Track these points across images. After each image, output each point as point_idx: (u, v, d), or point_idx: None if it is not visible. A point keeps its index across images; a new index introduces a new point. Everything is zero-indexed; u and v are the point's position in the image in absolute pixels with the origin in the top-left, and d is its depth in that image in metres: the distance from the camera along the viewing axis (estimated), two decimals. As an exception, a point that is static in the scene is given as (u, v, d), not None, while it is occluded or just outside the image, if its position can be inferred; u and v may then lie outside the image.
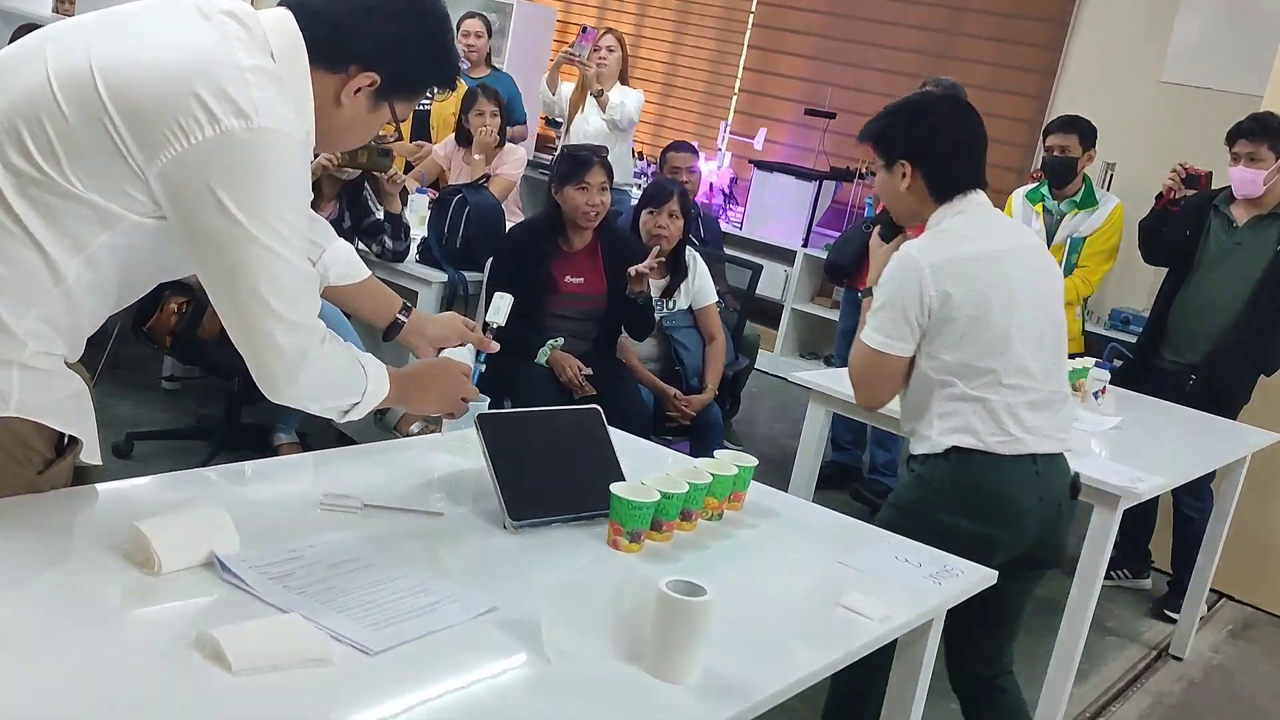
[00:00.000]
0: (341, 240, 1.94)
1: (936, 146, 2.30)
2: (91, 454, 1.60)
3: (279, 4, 1.58)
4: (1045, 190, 4.39)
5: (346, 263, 1.92)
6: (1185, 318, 3.99)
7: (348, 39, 1.56)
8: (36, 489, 1.54)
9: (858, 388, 2.38)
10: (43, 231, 1.45)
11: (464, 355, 1.97)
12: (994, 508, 2.26)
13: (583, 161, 3.71)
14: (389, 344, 2.03)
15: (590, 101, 5.65)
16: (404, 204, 4.20)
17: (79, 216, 1.45)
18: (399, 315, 1.96)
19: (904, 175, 2.31)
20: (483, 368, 2.00)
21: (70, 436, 1.57)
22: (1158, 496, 4.08)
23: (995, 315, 2.25)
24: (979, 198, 2.35)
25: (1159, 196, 4.15)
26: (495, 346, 2.00)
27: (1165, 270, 4.17)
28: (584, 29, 5.82)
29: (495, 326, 2.06)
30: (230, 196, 1.43)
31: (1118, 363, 4.31)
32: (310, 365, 1.54)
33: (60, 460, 1.57)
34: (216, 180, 1.43)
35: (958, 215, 2.31)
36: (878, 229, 2.57)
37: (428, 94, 1.77)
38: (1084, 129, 4.29)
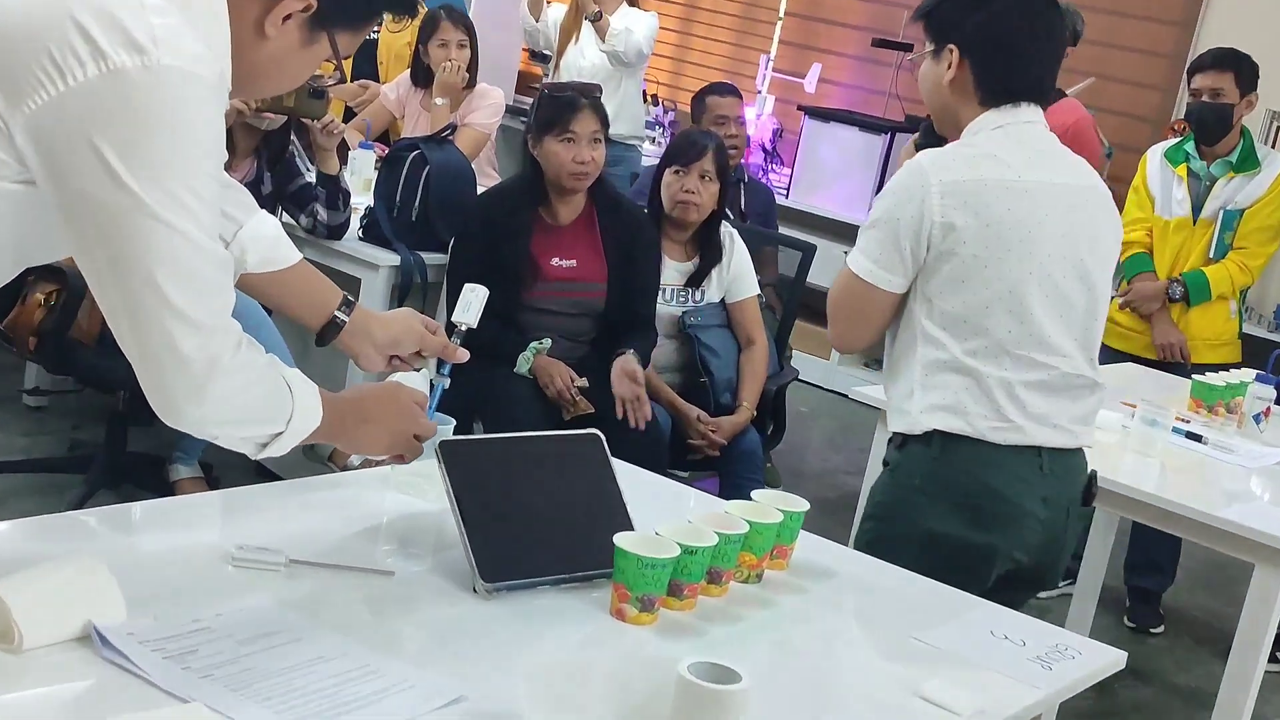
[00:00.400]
0: (264, 213, 1.95)
1: (994, 34, 2.41)
2: None
3: None
4: (1190, 147, 4.39)
5: (271, 243, 1.92)
6: None
7: None
8: None
9: (831, 320, 2.49)
10: None
11: (417, 381, 1.98)
12: (989, 510, 2.36)
13: (567, 104, 3.73)
14: (325, 351, 2.03)
15: (587, 29, 5.68)
16: (343, 163, 4.22)
17: None
18: (337, 313, 1.95)
19: (950, 64, 2.42)
20: (447, 382, 2.01)
21: None
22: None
23: (1010, 262, 2.34)
24: (1032, 114, 2.44)
25: None
26: (464, 355, 2.00)
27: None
28: None
29: (464, 329, 2.05)
30: (119, 156, 1.43)
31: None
32: (220, 379, 1.54)
33: None
34: (101, 134, 1.43)
35: (996, 130, 2.41)
36: (914, 139, 2.68)
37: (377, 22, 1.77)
38: (1241, 67, 4.29)
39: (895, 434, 2.45)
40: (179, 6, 1.48)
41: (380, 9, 1.68)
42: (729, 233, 4.12)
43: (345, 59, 1.71)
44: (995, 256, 2.34)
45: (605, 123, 3.79)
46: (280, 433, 1.65)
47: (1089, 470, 2.48)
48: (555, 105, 3.75)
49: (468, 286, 2.10)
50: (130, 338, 1.51)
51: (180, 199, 1.46)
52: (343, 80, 2.00)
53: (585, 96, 3.80)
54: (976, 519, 2.37)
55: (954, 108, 2.46)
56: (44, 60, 1.42)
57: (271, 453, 1.67)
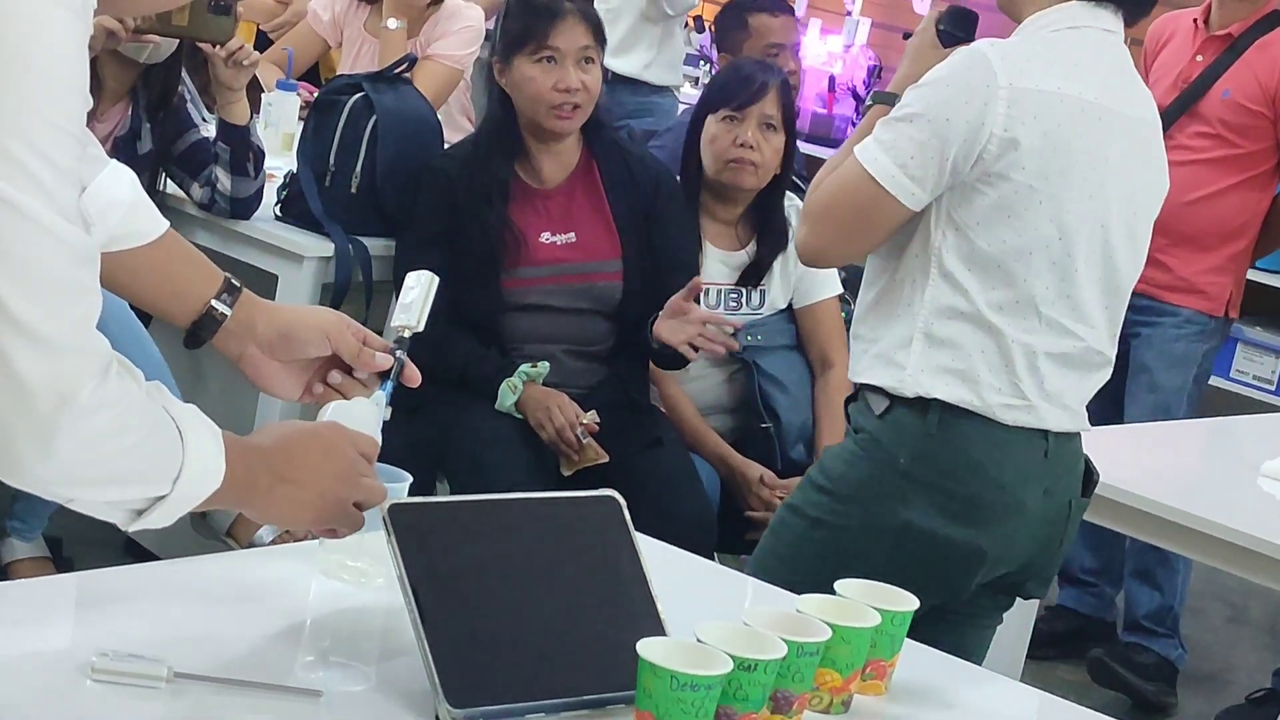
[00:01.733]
0: (116, 167, 1.96)
1: None
2: None
3: None
4: None
5: (126, 211, 1.94)
6: None
7: None
8: None
9: (815, 222, 2.68)
10: None
11: (365, 414, 1.98)
12: (985, 503, 2.62)
13: (544, 9, 3.77)
14: (227, 373, 2.05)
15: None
16: (255, 110, 4.25)
17: None
18: (215, 302, 1.97)
19: None
20: (386, 414, 2.02)
21: None
22: None
23: (1068, 201, 2.57)
24: (1114, 23, 2.64)
25: None
26: (414, 375, 2.01)
27: None
28: None
29: (408, 334, 2.05)
30: None
31: None
32: (77, 420, 1.54)
33: None
34: None
35: (1071, 30, 2.61)
36: (935, 21, 2.87)
37: None
38: None
39: (873, 391, 2.66)
40: None
41: None
42: (795, 208, 4.11)
43: None
44: (1054, 192, 2.54)
45: (600, 36, 3.83)
46: (164, 495, 1.65)
47: (1084, 456, 2.73)
48: (528, 12, 3.80)
49: (412, 275, 2.09)
50: None
51: (22, 163, 1.47)
52: None
53: None
54: (967, 513, 2.61)
55: None
56: None
57: (151, 523, 1.67)
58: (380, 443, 1.96)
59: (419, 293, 2.08)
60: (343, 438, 1.88)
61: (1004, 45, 2.60)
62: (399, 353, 2.01)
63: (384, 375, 2.01)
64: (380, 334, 2.06)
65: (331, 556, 2.06)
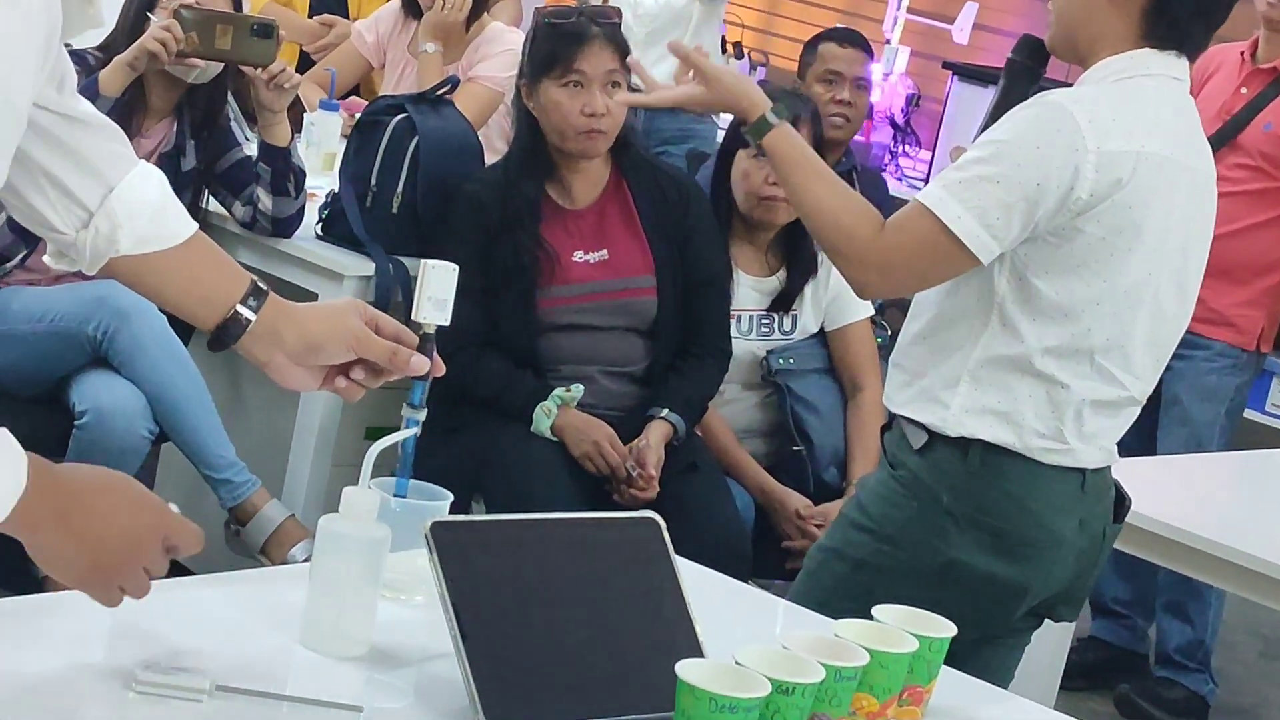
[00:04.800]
0: (145, 166, 1.95)
1: None
2: None
3: None
4: None
5: (154, 212, 1.94)
6: None
7: None
8: None
9: (884, 269, 2.67)
10: None
11: (356, 550, 1.92)
12: (1028, 539, 2.66)
13: (571, 34, 3.78)
14: (263, 384, 2.05)
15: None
16: (297, 130, 4.27)
17: None
18: (241, 307, 1.95)
19: None
20: (420, 416, 2.03)
21: None
22: None
23: (1139, 254, 2.59)
24: (1183, 70, 2.66)
25: None
26: (423, 364, 1.98)
27: None
28: None
29: (431, 330, 2.05)
30: None
31: None
32: None
33: None
34: None
35: (1146, 78, 2.62)
36: (1010, 60, 2.93)
37: None
38: None
39: (910, 424, 2.69)
40: None
41: None
42: None
43: None
44: (1125, 245, 2.57)
45: (625, 59, 3.80)
46: None
47: (1115, 483, 2.80)
48: (555, 37, 3.80)
49: (426, 265, 2.06)
50: None
51: None
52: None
53: (596, 22, 3.84)
54: (1009, 549, 2.65)
55: (1100, 30, 2.64)
56: None
57: None
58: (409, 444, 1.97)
59: (446, 289, 2.06)
60: (151, 518, 1.74)
61: (1087, 102, 2.59)
62: (430, 348, 2.00)
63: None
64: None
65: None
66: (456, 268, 2.07)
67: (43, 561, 1.71)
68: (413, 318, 2.04)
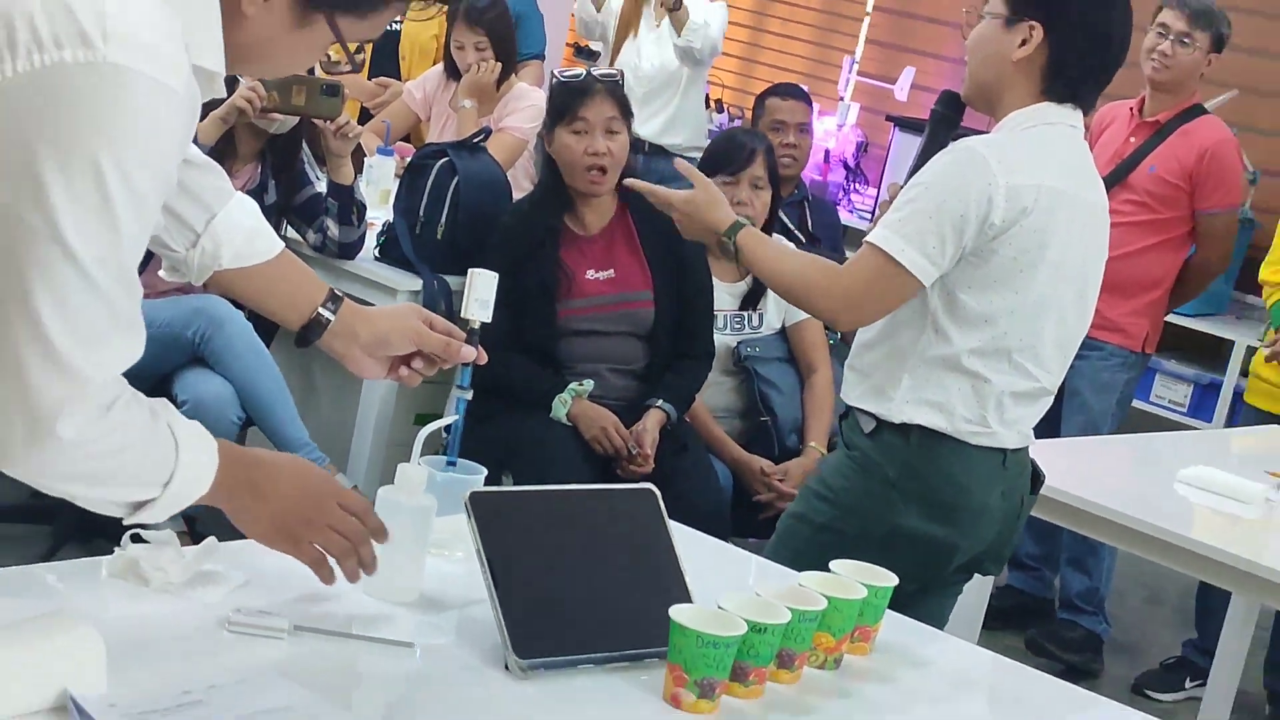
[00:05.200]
0: (241, 197, 1.96)
1: (1088, 28, 2.61)
2: None
3: None
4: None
5: (249, 233, 1.94)
6: None
7: None
8: None
9: (848, 306, 2.67)
10: None
11: (406, 512, 1.92)
12: (958, 506, 2.68)
13: (577, 89, 3.79)
14: (333, 377, 2.05)
15: (646, 23, 5.72)
16: (358, 171, 4.27)
17: None
18: (322, 310, 1.95)
19: (1025, 41, 2.61)
20: (468, 395, 2.05)
21: None
22: None
23: (1043, 271, 2.61)
24: (1078, 119, 2.67)
25: None
26: (471, 354, 1.99)
27: None
28: None
29: (477, 326, 2.07)
30: (50, 166, 1.40)
31: None
32: (70, 434, 1.50)
33: None
34: (35, 137, 1.41)
35: (1048, 126, 2.63)
36: (933, 111, 2.92)
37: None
38: None
39: (862, 414, 2.69)
40: None
41: None
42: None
43: (356, 48, 1.69)
44: (1032, 263, 2.59)
45: (626, 111, 3.83)
46: (154, 498, 1.62)
47: (1032, 461, 2.80)
48: (565, 92, 3.81)
49: (473, 272, 2.09)
50: None
51: (105, 231, 1.44)
52: (356, 69, 1.99)
53: (601, 80, 3.86)
54: (943, 514, 2.68)
55: (1007, 87, 2.66)
56: None
57: (146, 518, 1.64)
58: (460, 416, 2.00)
59: (489, 291, 2.09)
60: (325, 485, 1.83)
61: (996, 146, 2.61)
62: (475, 341, 2.02)
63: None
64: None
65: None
66: (497, 275, 2.10)
67: (240, 524, 1.77)
68: (461, 315, 2.07)
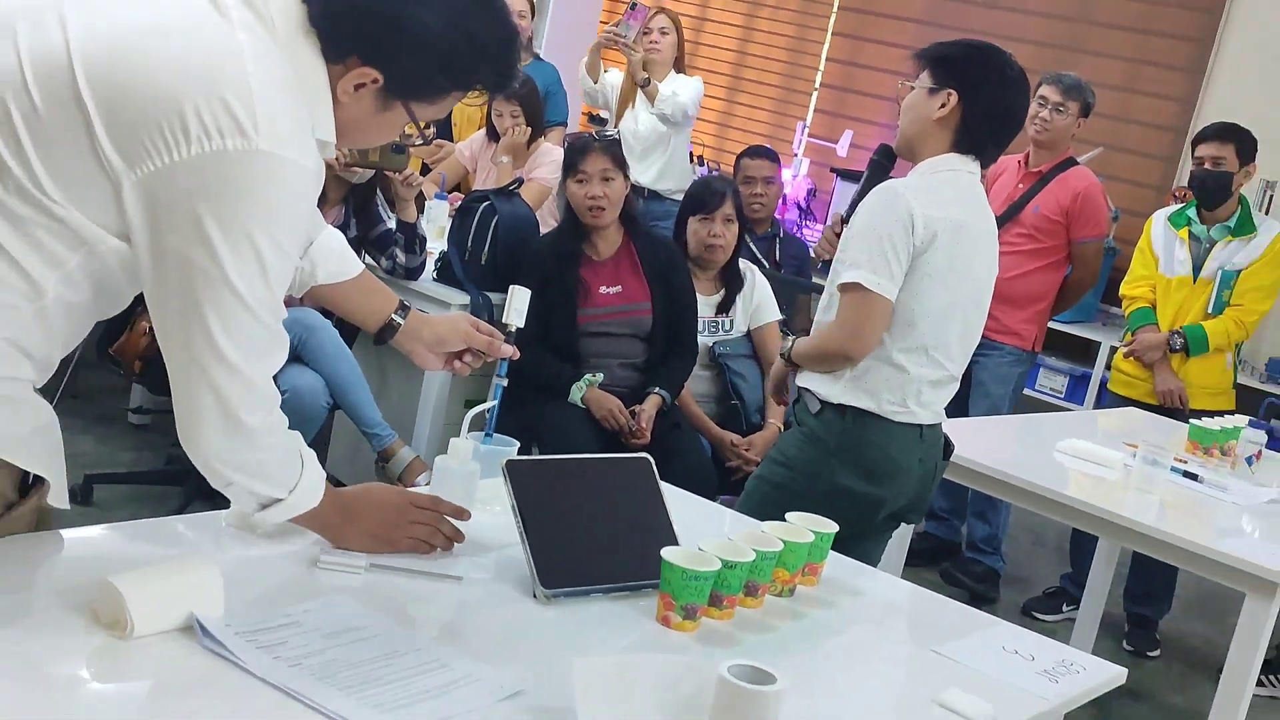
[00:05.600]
0: (330, 229, 1.97)
1: (992, 100, 2.62)
2: (59, 497, 1.62)
3: None
4: (1192, 213, 4.37)
5: (338, 257, 1.96)
6: None
7: (345, 28, 1.54)
8: (-7, 534, 1.58)
9: (854, 336, 2.61)
10: (14, 243, 1.46)
11: (456, 476, 1.94)
12: (885, 469, 2.67)
13: (579, 148, 3.81)
14: (401, 371, 2.06)
15: (641, 98, 5.70)
16: (420, 212, 4.27)
17: (49, 230, 1.47)
18: (394, 315, 1.99)
19: (944, 105, 2.63)
20: (504, 382, 2.06)
21: (35, 476, 1.59)
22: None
23: (949, 284, 2.62)
24: (976, 168, 2.67)
25: None
26: (509, 351, 2.02)
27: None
28: (633, 5, 5.81)
29: (514, 330, 2.08)
30: (215, 226, 1.44)
31: (1274, 422, 4.27)
32: (254, 431, 1.54)
33: (22, 503, 1.59)
34: (203, 204, 1.44)
35: (951, 172, 2.64)
36: (872, 159, 2.96)
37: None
38: (1242, 139, 4.28)
39: (810, 395, 2.69)
40: (284, 87, 1.49)
41: (451, 89, 1.63)
42: (750, 268, 4.16)
43: (427, 129, 1.69)
44: (941, 279, 2.60)
45: (620, 163, 3.82)
46: (281, 499, 1.64)
47: (944, 435, 2.78)
48: (570, 150, 3.86)
49: (513, 288, 2.13)
50: (187, 382, 1.52)
51: (258, 276, 1.48)
52: (426, 142, 2.01)
53: (598, 139, 3.88)
54: (873, 476, 2.66)
55: (927, 139, 2.66)
56: (163, 131, 1.43)
57: (268, 518, 1.65)
58: (497, 397, 2.04)
59: (524, 302, 2.13)
60: (397, 497, 1.86)
61: (913, 187, 2.60)
62: (511, 342, 2.04)
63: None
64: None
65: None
66: (530, 291, 2.14)
67: (339, 542, 1.78)
68: (502, 321, 2.09)
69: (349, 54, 1.55)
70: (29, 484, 1.60)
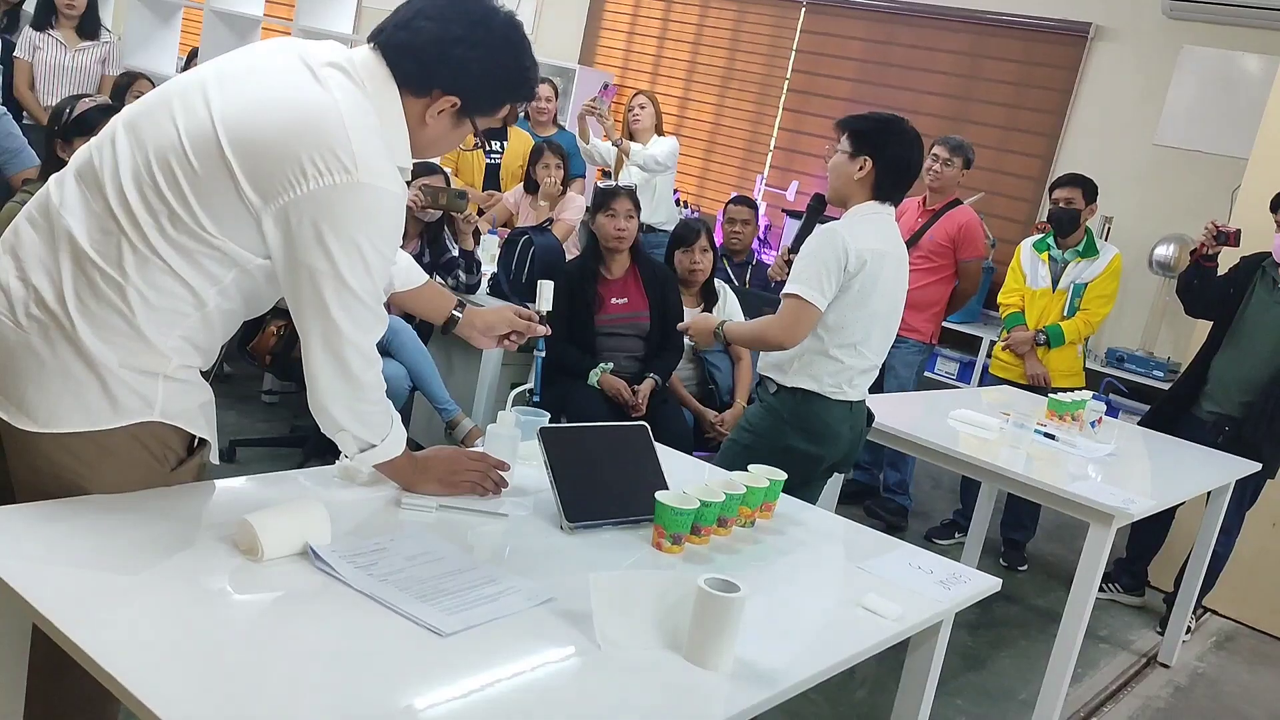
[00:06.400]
0: (402, 253, 1.97)
1: (896, 158, 2.59)
2: (213, 455, 1.67)
3: (368, 41, 1.60)
4: (1050, 240, 4.36)
5: (405, 270, 1.99)
6: (1225, 371, 3.83)
7: (431, 70, 1.58)
8: (167, 483, 1.60)
9: (786, 334, 2.61)
10: (184, 268, 1.50)
11: (504, 439, 1.91)
12: (824, 434, 2.65)
13: (610, 192, 3.80)
14: (463, 354, 2.06)
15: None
16: (476, 242, 4.26)
17: (210, 257, 1.51)
18: (454, 312, 2.01)
19: (862, 168, 2.59)
20: (543, 355, 2.10)
21: (199, 439, 1.62)
22: (1169, 524, 4.03)
23: (874, 298, 2.60)
24: (890, 210, 2.66)
25: (1193, 252, 4.01)
26: (543, 330, 2.03)
27: (1201, 322, 4.11)
28: (605, 85, 5.77)
29: (545, 313, 2.09)
30: (334, 239, 1.48)
31: (1112, 396, 4.25)
32: (365, 386, 1.57)
33: (190, 459, 1.62)
34: (323, 224, 1.47)
35: (873, 215, 2.63)
36: (809, 205, 2.98)
37: (497, 148, 1.78)
38: (1087, 184, 4.26)
39: (769, 380, 2.68)
40: (374, 130, 1.51)
41: (503, 104, 1.66)
42: (722, 285, 4.14)
43: (483, 131, 1.69)
44: (866, 294, 2.58)
45: (636, 205, 3.81)
46: (375, 445, 1.64)
47: (868, 409, 2.75)
48: (602, 194, 3.83)
49: (541, 283, 2.14)
50: (317, 351, 1.54)
51: (364, 273, 1.51)
52: (479, 146, 1.96)
53: (623, 188, 3.87)
54: (815, 439, 2.65)
55: (851, 192, 2.64)
56: (285, 176, 1.46)
57: (364, 459, 1.65)
58: (538, 370, 2.09)
59: (547, 291, 2.17)
60: (455, 452, 1.83)
61: (846, 226, 2.58)
62: (544, 322, 2.05)
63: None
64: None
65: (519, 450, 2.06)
66: (552, 283, 2.19)
67: (415, 487, 1.77)
68: (535, 309, 2.09)
69: (433, 88, 1.59)
70: (194, 446, 1.62)
